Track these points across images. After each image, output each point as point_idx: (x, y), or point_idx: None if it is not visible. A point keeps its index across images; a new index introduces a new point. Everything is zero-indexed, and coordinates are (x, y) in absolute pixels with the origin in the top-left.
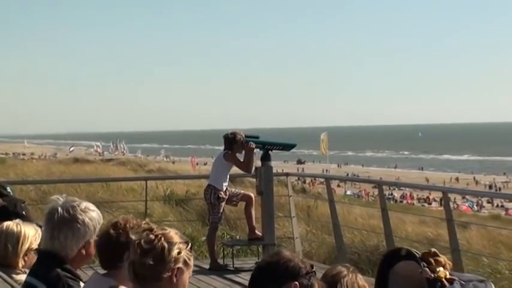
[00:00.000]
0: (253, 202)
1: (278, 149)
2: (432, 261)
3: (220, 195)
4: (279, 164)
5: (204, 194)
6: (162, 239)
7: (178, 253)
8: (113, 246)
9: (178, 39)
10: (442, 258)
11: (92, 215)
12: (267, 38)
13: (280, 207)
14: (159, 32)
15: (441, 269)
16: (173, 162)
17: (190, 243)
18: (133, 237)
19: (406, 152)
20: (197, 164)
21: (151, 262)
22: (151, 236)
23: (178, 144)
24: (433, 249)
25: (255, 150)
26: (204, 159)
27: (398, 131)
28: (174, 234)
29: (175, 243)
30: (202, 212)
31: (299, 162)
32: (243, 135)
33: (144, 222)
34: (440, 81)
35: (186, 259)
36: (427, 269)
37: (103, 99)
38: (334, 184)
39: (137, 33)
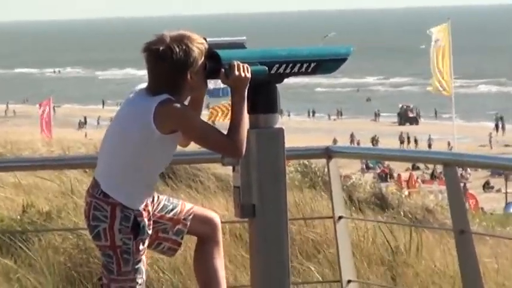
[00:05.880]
0: (218, 236)
1: (304, 72)
2: None
3: (141, 221)
4: (306, 123)
5: (89, 226)
6: None
7: None
8: None
9: None
10: None
11: None
12: None
13: (311, 253)
14: None
15: None
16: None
17: None
18: None
19: None
20: (81, 127)
21: None
22: None
23: (35, 67)
24: None
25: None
26: (95, 110)
27: None
28: None
29: None
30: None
31: (405, 117)
32: (205, 43)
33: None
34: None
35: None
36: None
37: None
38: (473, 178)
39: None
